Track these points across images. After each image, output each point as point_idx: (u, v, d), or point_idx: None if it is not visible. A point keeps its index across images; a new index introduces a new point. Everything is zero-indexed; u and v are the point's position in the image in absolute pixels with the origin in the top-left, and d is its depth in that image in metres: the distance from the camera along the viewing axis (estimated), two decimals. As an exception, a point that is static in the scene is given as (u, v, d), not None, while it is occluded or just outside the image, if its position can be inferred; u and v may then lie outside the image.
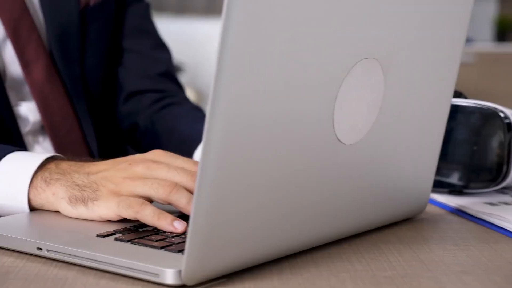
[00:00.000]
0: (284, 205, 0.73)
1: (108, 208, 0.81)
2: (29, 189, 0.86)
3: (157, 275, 0.68)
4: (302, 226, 0.76)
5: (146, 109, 1.31)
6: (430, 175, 0.91)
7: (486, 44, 5.21)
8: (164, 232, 0.78)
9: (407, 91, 0.82)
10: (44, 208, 0.86)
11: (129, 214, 0.80)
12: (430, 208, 0.98)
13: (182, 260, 0.68)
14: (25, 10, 1.17)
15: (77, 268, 0.73)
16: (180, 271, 0.67)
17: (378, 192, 0.84)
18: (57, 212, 0.86)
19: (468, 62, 4.94)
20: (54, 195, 0.85)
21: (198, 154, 1.16)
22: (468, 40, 5.09)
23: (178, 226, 0.78)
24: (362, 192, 0.82)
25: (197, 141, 1.18)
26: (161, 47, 1.37)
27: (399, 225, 0.90)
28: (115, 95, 1.33)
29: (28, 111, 1.18)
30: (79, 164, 0.87)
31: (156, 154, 0.86)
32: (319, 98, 0.72)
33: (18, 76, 1.17)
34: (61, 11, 1.20)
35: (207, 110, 0.63)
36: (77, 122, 1.23)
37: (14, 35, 1.15)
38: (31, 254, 0.77)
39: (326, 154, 0.75)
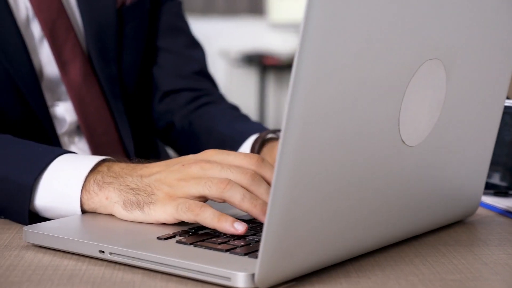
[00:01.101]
0: (352, 207, 0.72)
1: (165, 212, 0.80)
2: (81, 192, 0.85)
3: (228, 278, 0.67)
4: (367, 228, 0.75)
5: (181, 108, 1.30)
6: (482, 177, 0.91)
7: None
8: (225, 234, 0.77)
9: (467, 92, 0.82)
10: (97, 211, 0.85)
11: (188, 217, 0.79)
12: (478, 210, 0.97)
13: (253, 263, 0.68)
14: (62, 10, 1.16)
15: (141, 271, 0.72)
16: (252, 275, 0.66)
17: (435, 194, 0.84)
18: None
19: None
20: (108, 199, 0.83)
21: None
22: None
23: (239, 227, 0.77)
24: (420, 194, 0.81)
25: (237, 141, 1.17)
26: (194, 45, 1.36)
27: (453, 227, 0.89)
28: (150, 94, 1.32)
29: (64, 111, 1.17)
30: (131, 166, 0.86)
31: (208, 153, 0.84)
32: (387, 99, 0.71)
33: (54, 76, 1.16)
34: (98, 11, 1.19)
35: (284, 113, 0.62)
36: (113, 122, 1.22)
37: (51, 35, 1.14)
38: (91, 257, 0.76)
39: (391, 156, 0.74)
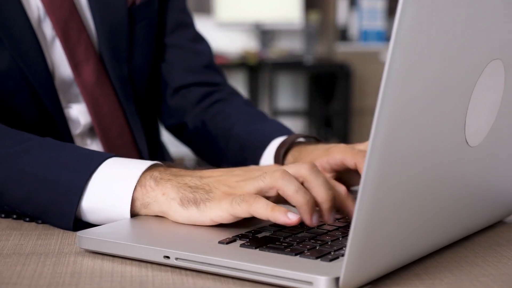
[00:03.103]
0: (424, 209, 0.72)
1: (220, 209, 0.78)
2: (136, 187, 0.83)
3: (310, 283, 0.66)
4: (433, 229, 0.75)
5: (193, 106, 1.27)
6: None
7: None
8: (286, 238, 0.76)
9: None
10: (149, 206, 0.83)
11: (242, 209, 0.77)
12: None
13: (331, 267, 0.67)
14: (74, 10, 1.13)
15: (210, 276, 0.71)
16: (336, 279, 0.65)
17: (485, 194, 0.84)
18: (156, 217, 0.83)
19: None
20: (164, 195, 0.81)
21: (264, 161, 1.12)
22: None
23: (292, 217, 0.75)
24: (474, 194, 0.81)
25: (258, 146, 1.14)
26: (200, 40, 1.34)
27: (497, 227, 0.89)
28: (160, 92, 1.29)
29: (78, 113, 1.14)
30: (188, 170, 0.85)
31: (272, 167, 0.84)
32: (458, 100, 0.71)
33: (67, 77, 1.13)
34: (110, 10, 1.17)
35: (375, 114, 0.61)
36: (127, 124, 1.19)
37: (64, 36, 1.11)
38: (153, 263, 0.74)
39: (456, 157, 0.74)
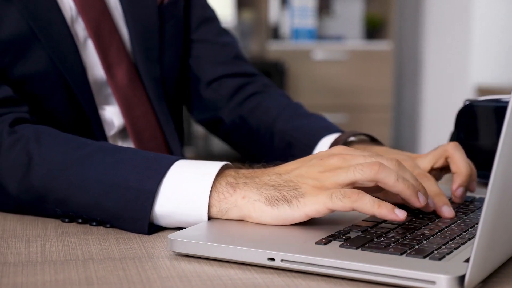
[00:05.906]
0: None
1: (317, 203, 0.77)
2: (211, 194, 0.81)
3: (432, 282, 0.65)
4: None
5: (227, 101, 1.26)
6: None
7: (357, 42, 5.35)
8: (379, 238, 0.75)
9: None
10: (227, 213, 0.81)
11: (344, 204, 0.76)
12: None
13: (446, 266, 0.67)
14: (106, 11, 1.11)
15: (319, 277, 0.70)
16: (460, 278, 0.65)
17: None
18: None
19: (341, 59, 5.06)
20: (245, 198, 0.80)
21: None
22: (340, 38, 5.21)
23: (399, 214, 0.76)
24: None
25: (307, 144, 1.12)
26: (225, 33, 1.32)
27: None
28: (190, 88, 1.27)
29: (112, 114, 1.12)
30: (260, 169, 0.83)
31: (341, 149, 0.82)
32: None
33: (99, 78, 1.11)
34: (141, 10, 1.15)
35: (504, 124, 0.61)
36: (159, 126, 1.17)
37: (96, 37, 1.09)
38: (253, 265, 0.73)
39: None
